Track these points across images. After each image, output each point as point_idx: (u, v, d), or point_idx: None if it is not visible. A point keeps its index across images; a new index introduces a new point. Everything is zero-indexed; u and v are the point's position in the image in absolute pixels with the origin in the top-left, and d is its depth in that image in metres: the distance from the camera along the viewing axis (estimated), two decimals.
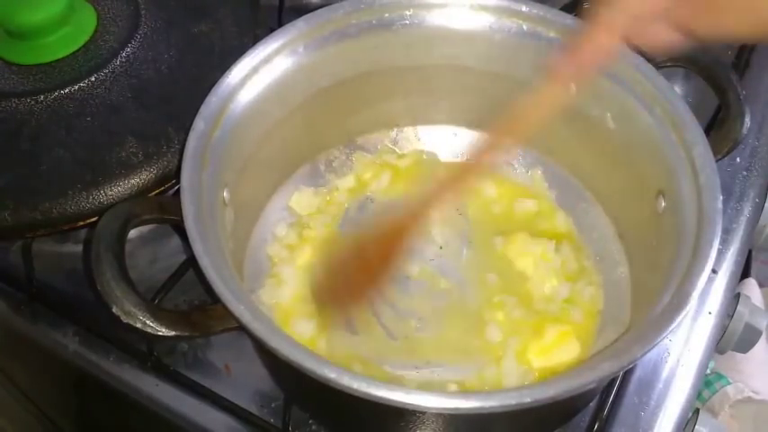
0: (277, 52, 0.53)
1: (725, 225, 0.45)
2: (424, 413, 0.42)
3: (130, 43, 0.60)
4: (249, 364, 0.54)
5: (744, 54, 0.74)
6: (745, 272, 0.83)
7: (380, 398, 0.37)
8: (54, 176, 0.55)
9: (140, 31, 0.61)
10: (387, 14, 0.55)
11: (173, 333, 0.42)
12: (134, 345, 0.55)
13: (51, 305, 0.58)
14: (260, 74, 0.52)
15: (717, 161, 0.48)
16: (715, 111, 0.67)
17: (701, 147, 0.46)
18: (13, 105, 0.57)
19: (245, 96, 0.51)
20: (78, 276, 0.60)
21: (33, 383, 0.69)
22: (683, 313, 0.40)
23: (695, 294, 0.40)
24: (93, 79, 0.58)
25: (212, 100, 0.49)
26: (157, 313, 0.42)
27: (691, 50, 0.54)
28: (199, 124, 0.48)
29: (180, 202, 0.44)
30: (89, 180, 0.55)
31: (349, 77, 0.57)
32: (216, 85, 0.50)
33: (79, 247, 0.61)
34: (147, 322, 0.41)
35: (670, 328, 0.39)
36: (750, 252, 0.84)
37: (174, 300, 0.57)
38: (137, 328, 0.41)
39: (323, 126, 0.60)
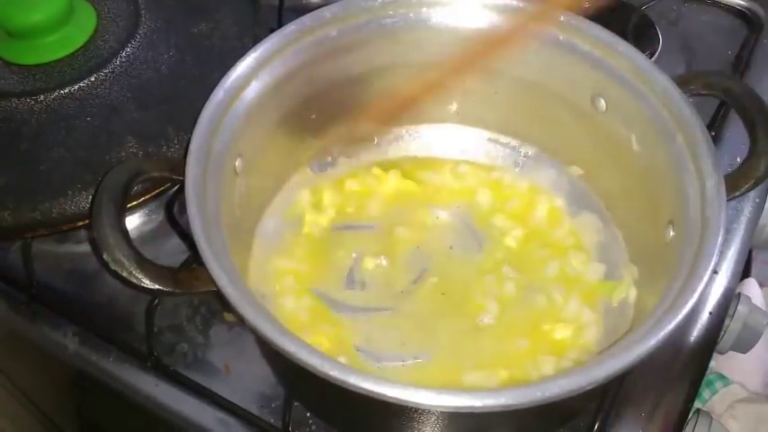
0: (309, 34, 0.52)
1: (726, 225, 0.44)
2: (422, 410, 0.41)
3: (130, 43, 0.60)
4: (249, 364, 0.54)
5: (743, 54, 0.74)
6: (745, 272, 0.83)
7: (335, 378, 0.37)
8: (54, 176, 0.55)
9: (140, 31, 0.61)
10: (424, 9, 0.55)
11: (156, 286, 0.42)
12: (134, 345, 0.55)
13: (51, 305, 0.58)
14: (289, 53, 0.52)
15: (734, 198, 0.47)
16: (714, 112, 0.67)
17: (713, 180, 0.46)
18: (13, 105, 0.57)
19: (271, 74, 0.51)
20: (78, 276, 0.60)
21: (33, 383, 0.69)
22: (673, 326, 0.40)
23: (679, 321, 0.40)
24: (92, 79, 0.58)
25: (235, 73, 0.49)
26: (144, 266, 0.42)
27: (726, 80, 0.53)
28: (218, 94, 0.48)
29: None
30: (89, 180, 0.55)
31: (381, 67, 0.57)
32: (241, 59, 0.50)
33: (79, 248, 0.61)
34: (133, 272, 0.42)
35: (665, 335, 0.39)
36: (750, 252, 0.84)
37: (175, 299, 0.57)
38: (122, 277, 0.42)
39: (350, 112, 0.59)
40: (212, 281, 0.41)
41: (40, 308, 0.58)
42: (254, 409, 0.52)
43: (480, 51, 0.55)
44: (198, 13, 0.65)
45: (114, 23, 0.62)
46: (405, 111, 0.60)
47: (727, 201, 0.45)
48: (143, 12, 0.63)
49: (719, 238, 0.43)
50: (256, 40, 0.53)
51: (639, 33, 0.73)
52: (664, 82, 0.50)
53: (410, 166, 0.62)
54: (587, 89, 0.54)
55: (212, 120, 0.48)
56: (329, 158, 0.61)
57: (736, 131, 0.65)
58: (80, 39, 0.60)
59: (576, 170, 0.59)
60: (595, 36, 0.53)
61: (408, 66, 0.57)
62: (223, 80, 0.49)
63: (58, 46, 0.60)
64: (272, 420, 0.52)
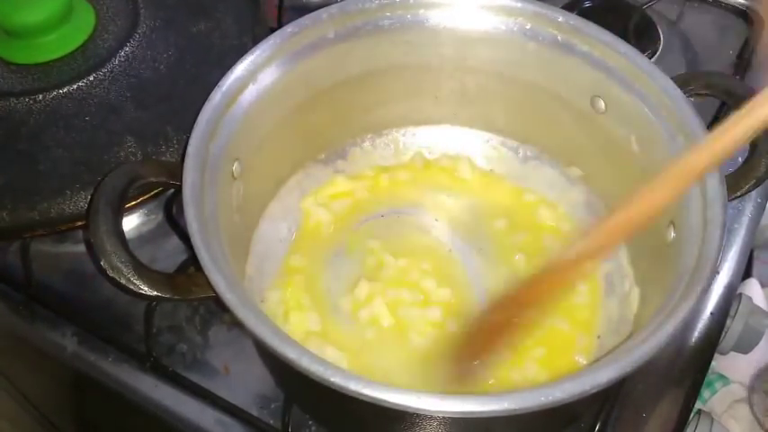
0: (306, 36, 0.52)
1: (727, 225, 0.44)
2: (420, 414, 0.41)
3: (129, 42, 0.60)
4: (248, 365, 0.54)
5: (744, 54, 0.74)
6: (746, 272, 0.83)
7: (327, 379, 0.37)
8: (52, 176, 0.55)
9: (139, 31, 0.61)
10: (422, 11, 0.54)
11: (154, 293, 0.42)
12: (133, 345, 0.55)
13: (49, 306, 0.58)
14: (286, 56, 0.52)
15: (735, 198, 0.47)
16: (715, 112, 0.67)
17: (714, 180, 0.45)
18: (12, 105, 0.57)
19: (269, 76, 0.51)
20: (77, 276, 0.59)
21: (32, 384, 0.69)
22: (676, 328, 0.40)
23: (675, 327, 0.40)
24: (91, 79, 0.58)
25: (233, 76, 0.49)
26: (142, 272, 0.42)
27: (726, 81, 0.53)
28: (215, 97, 0.48)
29: None
30: (87, 180, 0.55)
31: (379, 69, 0.56)
32: (238, 62, 0.50)
33: (78, 248, 0.61)
34: (131, 279, 0.41)
35: (668, 337, 0.39)
36: (752, 252, 0.84)
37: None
38: (120, 284, 0.41)
39: (347, 115, 0.59)
40: (211, 286, 0.40)
41: (39, 308, 0.58)
42: (253, 410, 0.52)
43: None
44: (197, 12, 0.64)
45: (113, 23, 0.62)
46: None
47: (729, 201, 0.45)
48: (142, 11, 0.63)
49: (721, 239, 0.43)
50: (256, 40, 0.53)
51: (640, 33, 0.73)
52: (663, 82, 0.50)
53: (409, 169, 0.62)
54: (587, 90, 0.54)
55: (210, 123, 0.47)
56: (327, 162, 0.61)
57: None
58: (79, 38, 0.60)
59: (576, 171, 0.59)
60: (594, 36, 0.52)
61: (406, 68, 0.57)
62: (220, 83, 0.49)
63: (57, 45, 0.60)
64: (271, 422, 0.52)
